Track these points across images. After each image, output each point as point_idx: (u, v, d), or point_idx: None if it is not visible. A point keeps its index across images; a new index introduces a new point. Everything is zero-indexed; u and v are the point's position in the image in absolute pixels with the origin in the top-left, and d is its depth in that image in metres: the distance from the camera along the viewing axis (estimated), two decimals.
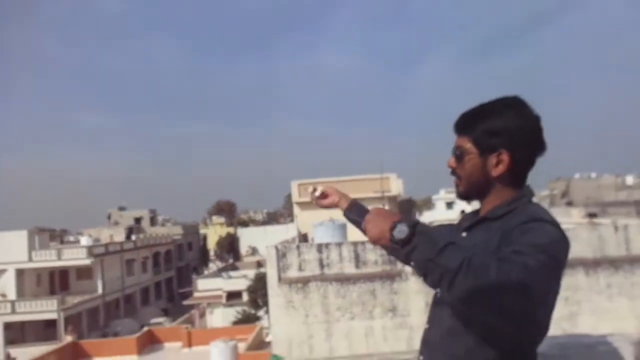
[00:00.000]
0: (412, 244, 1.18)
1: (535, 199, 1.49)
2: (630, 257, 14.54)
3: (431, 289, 1.23)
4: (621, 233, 14.81)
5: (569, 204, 43.78)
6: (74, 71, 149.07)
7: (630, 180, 52.99)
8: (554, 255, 1.19)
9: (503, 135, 1.37)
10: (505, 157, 1.37)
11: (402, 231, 1.19)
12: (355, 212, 1.91)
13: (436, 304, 1.47)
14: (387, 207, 21.79)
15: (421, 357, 1.49)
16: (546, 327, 1.30)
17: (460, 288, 1.09)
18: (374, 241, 1.27)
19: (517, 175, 1.41)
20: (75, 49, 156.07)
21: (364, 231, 1.33)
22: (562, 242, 1.25)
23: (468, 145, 1.42)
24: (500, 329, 1.21)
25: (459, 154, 1.45)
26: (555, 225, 1.27)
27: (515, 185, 1.42)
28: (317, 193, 2.04)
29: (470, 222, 1.49)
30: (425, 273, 1.17)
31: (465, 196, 1.49)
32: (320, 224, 18.84)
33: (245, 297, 30.98)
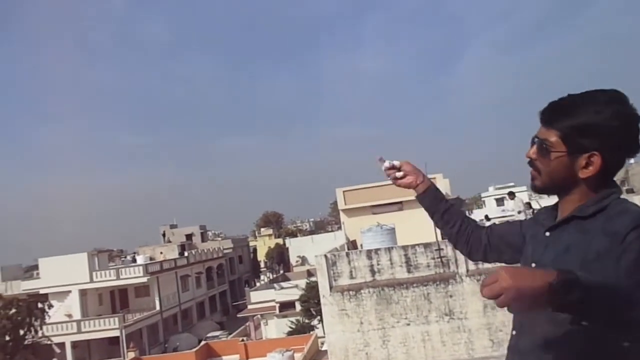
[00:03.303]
0: (585, 305, 0.97)
1: None
2: None
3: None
4: None
5: (630, 191, 41.53)
6: (115, 92, 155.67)
7: None
8: None
9: (597, 135, 1.24)
10: (597, 159, 1.26)
11: (570, 292, 0.95)
12: (430, 199, 1.77)
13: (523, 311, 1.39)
14: None
15: None
16: None
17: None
18: (524, 310, 1.02)
19: (605, 176, 1.30)
20: (114, 71, 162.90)
21: (488, 294, 1.01)
22: None
23: (554, 139, 1.30)
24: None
25: (544, 148, 1.32)
26: None
27: (601, 185, 1.31)
28: (387, 164, 1.77)
29: (553, 220, 1.39)
30: (609, 329, 1.02)
31: (541, 190, 1.39)
32: (368, 229, 18.67)
33: (298, 307, 31.08)
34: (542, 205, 1.64)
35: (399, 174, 1.77)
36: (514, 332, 1.42)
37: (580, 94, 1.30)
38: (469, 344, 14.03)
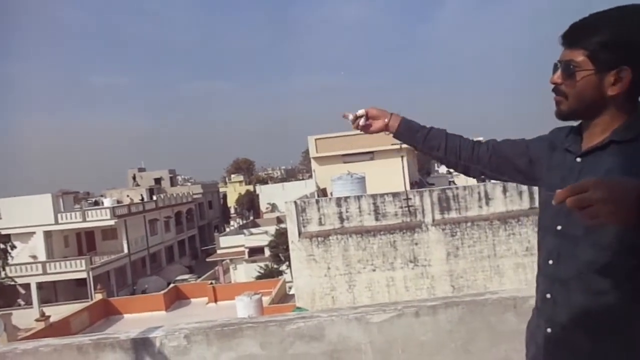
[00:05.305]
0: None
1: None
2: None
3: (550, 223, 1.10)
4: None
5: None
6: (87, 33, 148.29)
7: None
8: None
9: (625, 49, 1.19)
10: (627, 74, 1.20)
11: None
12: (406, 133, 1.71)
13: (562, 238, 1.33)
14: (405, 159, 21.55)
15: (548, 295, 1.36)
16: None
17: None
18: (624, 225, 0.96)
19: (632, 95, 1.25)
20: (87, 10, 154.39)
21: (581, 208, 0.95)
22: None
23: (581, 59, 1.25)
24: None
25: (570, 69, 1.26)
26: None
27: (630, 106, 1.26)
28: (351, 117, 1.73)
29: (579, 146, 1.34)
30: None
31: (567, 116, 1.33)
32: (338, 177, 18.77)
33: (267, 252, 31.52)
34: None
35: (361, 122, 1.73)
36: (550, 262, 1.36)
37: (601, 12, 1.25)
38: (431, 289, 14.58)
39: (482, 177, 1.73)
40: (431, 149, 1.69)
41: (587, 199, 0.91)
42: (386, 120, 1.71)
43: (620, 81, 1.21)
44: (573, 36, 1.27)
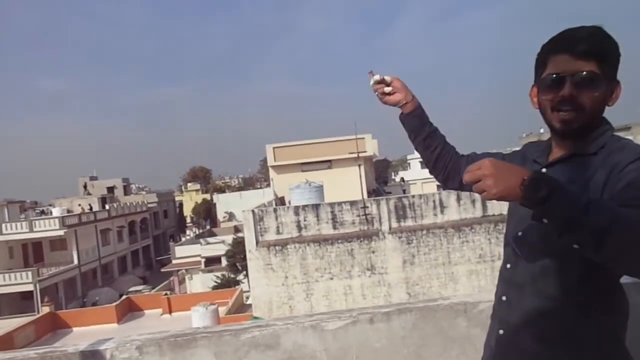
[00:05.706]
0: (550, 202, 1.01)
1: None
2: None
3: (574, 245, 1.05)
4: None
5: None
6: (39, 35, 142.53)
7: None
8: None
9: (617, 64, 1.27)
10: (618, 88, 1.29)
11: (539, 188, 1.01)
12: (415, 121, 1.71)
13: (520, 244, 1.37)
14: (362, 168, 21.81)
15: (504, 298, 1.40)
16: None
17: (613, 247, 1.00)
18: (499, 198, 1.04)
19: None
20: (39, 11, 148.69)
21: (471, 180, 1.07)
22: None
23: (597, 71, 1.23)
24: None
25: (593, 80, 1.23)
26: None
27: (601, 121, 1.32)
28: (377, 77, 1.68)
29: (547, 158, 1.39)
30: (564, 231, 1.02)
31: (576, 132, 1.29)
32: (296, 186, 18.77)
33: (224, 262, 31.04)
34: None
35: (387, 89, 1.69)
36: (508, 266, 1.41)
37: (585, 27, 1.26)
38: (388, 297, 14.75)
39: (459, 189, 1.74)
40: (428, 148, 1.70)
41: (477, 175, 1.05)
42: (406, 98, 1.69)
43: (616, 94, 1.29)
44: (585, 47, 1.23)
